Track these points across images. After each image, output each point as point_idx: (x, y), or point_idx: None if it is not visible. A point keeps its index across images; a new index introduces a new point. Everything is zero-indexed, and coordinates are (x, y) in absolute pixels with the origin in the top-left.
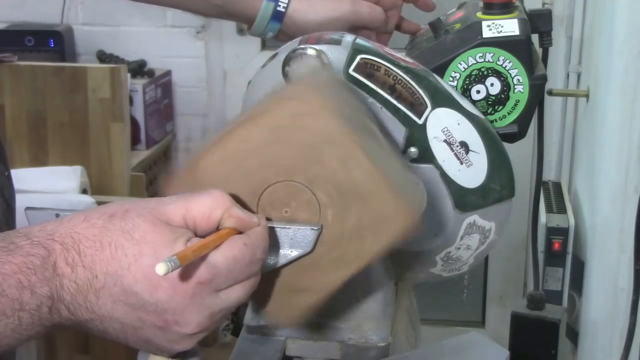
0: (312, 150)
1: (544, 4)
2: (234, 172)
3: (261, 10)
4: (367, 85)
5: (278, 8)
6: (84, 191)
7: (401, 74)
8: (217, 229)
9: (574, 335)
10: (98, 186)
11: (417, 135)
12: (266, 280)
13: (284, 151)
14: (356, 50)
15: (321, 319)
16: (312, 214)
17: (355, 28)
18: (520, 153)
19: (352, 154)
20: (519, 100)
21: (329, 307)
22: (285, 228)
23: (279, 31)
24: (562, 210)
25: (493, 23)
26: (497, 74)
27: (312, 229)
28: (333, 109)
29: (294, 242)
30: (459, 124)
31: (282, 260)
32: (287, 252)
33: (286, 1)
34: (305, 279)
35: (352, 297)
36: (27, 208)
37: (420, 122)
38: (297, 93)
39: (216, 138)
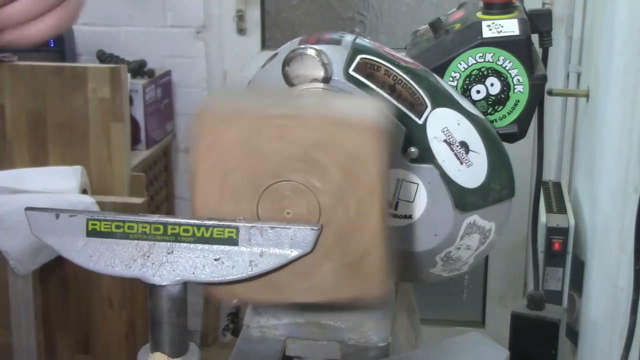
0: (340, 177)
1: (544, 4)
2: (234, 169)
3: None
4: (367, 85)
5: None
6: (84, 191)
7: (401, 74)
8: None
9: (574, 335)
10: (98, 186)
11: (417, 135)
12: (321, 274)
13: (286, 151)
14: (356, 50)
15: (321, 319)
16: (312, 213)
17: None
18: (520, 153)
19: (371, 206)
20: (519, 100)
21: (329, 307)
22: (285, 228)
23: None
24: (562, 210)
25: (493, 23)
26: (497, 74)
27: (312, 229)
28: (385, 156)
29: (294, 242)
30: (459, 124)
31: (282, 261)
32: (287, 252)
33: None
34: (354, 245)
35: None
36: (27, 208)
37: (420, 122)
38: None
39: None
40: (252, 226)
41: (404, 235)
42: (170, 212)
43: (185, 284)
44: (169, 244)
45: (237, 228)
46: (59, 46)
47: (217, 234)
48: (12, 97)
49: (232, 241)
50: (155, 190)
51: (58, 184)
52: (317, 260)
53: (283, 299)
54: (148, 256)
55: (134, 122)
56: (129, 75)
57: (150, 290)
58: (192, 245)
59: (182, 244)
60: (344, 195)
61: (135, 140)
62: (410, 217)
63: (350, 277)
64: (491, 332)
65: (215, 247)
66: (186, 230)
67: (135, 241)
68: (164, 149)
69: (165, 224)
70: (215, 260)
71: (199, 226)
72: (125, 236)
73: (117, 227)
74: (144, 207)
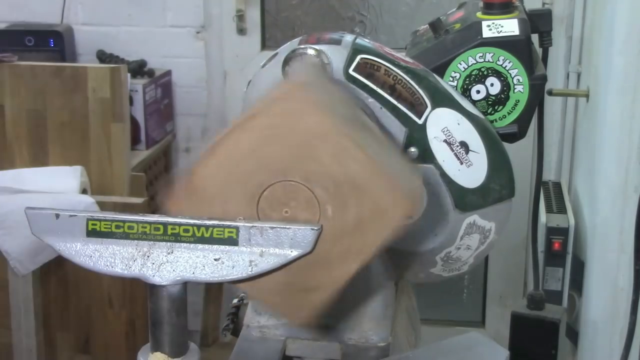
0: (305, 148)
1: (544, 4)
2: (230, 177)
3: None
4: (367, 85)
5: None
6: (84, 191)
7: (401, 74)
8: None
9: (574, 335)
10: (98, 186)
11: (417, 135)
12: (274, 281)
13: (277, 152)
14: (356, 50)
15: (321, 319)
16: (311, 212)
17: None
18: (520, 153)
19: (344, 147)
20: (519, 100)
21: (329, 307)
22: (285, 228)
23: None
24: (562, 210)
25: (493, 23)
26: (497, 74)
27: (312, 229)
28: (321, 105)
29: (294, 242)
30: (459, 124)
31: (282, 260)
32: (287, 252)
33: None
34: (314, 277)
35: (352, 297)
36: (27, 208)
37: (420, 122)
38: (284, 93)
39: (210, 146)
40: (252, 226)
41: (404, 235)
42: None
43: (185, 284)
44: (169, 243)
45: (237, 228)
46: (59, 46)
47: (217, 234)
48: (12, 97)
49: (232, 241)
50: (155, 190)
51: (58, 184)
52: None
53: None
54: (148, 256)
55: (134, 122)
56: (129, 75)
57: (150, 290)
58: (192, 245)
59: (182, 243)
60: (341, 236)
61: (135, 140)
62: (410, 217)
63: (290, 297)
64: (491, 332)
65: (215, 247)
66: (186, 230)
67: (135, 241)
68: (164, 149)
69: (165, 224)
70: (215, 260)
71: (199, 226)
72: (125, 236)
73: (117, 227)
74: (144, 207)
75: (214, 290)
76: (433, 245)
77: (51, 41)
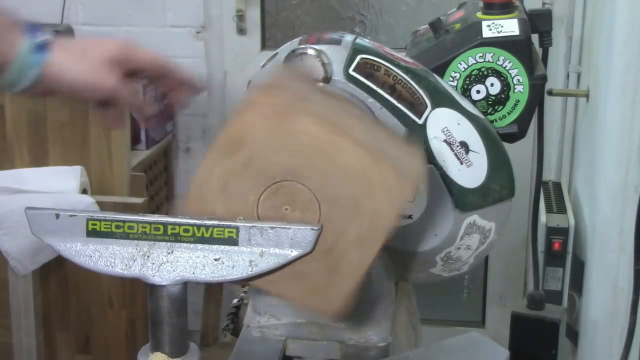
0: (300, 149)
1: (544, 4)
2: (232, 177)
3: (22, 43)
4: (367, 85)
5: (40, 39)
6: (84, 191)
7: (401, 74)
8: None
9: (574, 335)
10: (98, 186)
11: (417, 135)
12: (294, 275)
13: (276, 154)
14: (356, 50)
15: (321, 319)
16: (312, 211)
17: (131, 73)
18: (520, 153)
19: (334, 142)
20: (519, 100)
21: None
22: (285, 228)
23: (39, 77)
24: (562, 210)
25: (493, 23)
26: (497, 74)
27: (312, 229)
28: (298, 103)
29: (294, 242)
30: (459, 124)
31: (282, 260)
32: (287, 252)
33: (47, 35)
34: (338, 266)
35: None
36: (27, 208)
37: (420, 122)
38: (256, 99)
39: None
40: (252, 226)
41: (404, 235)
42: (170, 212)
43: (185, 284)
44: (169, 243)
45: (237, 228)
46: None
47: (217, 234)
48: (12, 97)
49: (232, 241)
50: (155, 190)
51: (58, 184)
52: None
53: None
54: (148, 256)
55: (134, 122)
56: None
57: (150, 290)
58: (192, 245)
59: (182, 243)
60: (349, 225)
61: (135, 140)
62: (410, 217)
63: (376, 204)
64: (491, 332)
65: (215, 247)
66: (186, 230)
67: (135, 241)
68: (164, 149)
69: (165, 224)
70: (215, 260)
71: (199, 226)
72: (125, 236)
73: (117, 227)
74: (144, 207)
75: (214, 290)
76: (433, 245)
77: None
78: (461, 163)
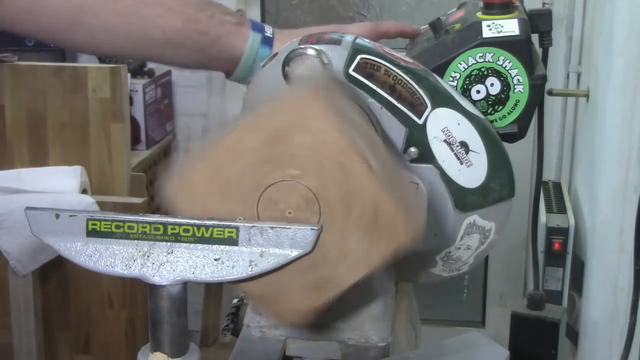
0: (313, 154)
1: (544, 4)
2: (233, 171)
3: (250, 39)
4: (367, 85)
5: (266, 33)
6: (84, 191)
7: (401, 74)
8: None
9: (574, 335)
10: (98, 186)
11: (417, 135)
12: (278, 280)
13: (281, 152)
14: (356, 50)
15: (321, 319)
16: (312, 216)
17: None
18: (520, 153)
19: (352, 159)
20: (519, 100)
21: (329, 307)
22: (285, 228)
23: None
24: (562, 210)
25: (493, 23)
26: (497, 74)
27: (312, 229)
28: (333, 114)
29: (294, 242)
30: (459, 124)
31: (282, 260)
32: (287, 252)
33: (270, 30)
34: (318, 275)
35: (352, 297)
36: (27, 208)
37: (420, 122)
38: (297, 97)
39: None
40: (252, 226)
41: None
42: (170, 212)
43: (186, 284)
44: (169, 243)
45: (237, 228)
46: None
47: (217, 234)
48: (12, 97)
49: (232, 241)
50: (155, 190)
51: (58, 184)
52: (340, 239)
53: (331, 292)
54: (148, 256)
55: (134, 122)
56: (129, 75)
57: (150, 290)
58: (192, 245)
59: (182, 243)
60: (342, 240)
61: (135, 140)
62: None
63: (376, 238)
64: (491, 332)
65: (215, 247)
66: (186, 230)
67: (135, 241)
68: (164, 149)
69: (165, 224)
70: (215, 260)
71: (199, 226)
72: (125, 236)
73: (117, 227)
74: (144, 207)
75: (214, 290)
76: (433, 245)
77: None
78: (461, 163)
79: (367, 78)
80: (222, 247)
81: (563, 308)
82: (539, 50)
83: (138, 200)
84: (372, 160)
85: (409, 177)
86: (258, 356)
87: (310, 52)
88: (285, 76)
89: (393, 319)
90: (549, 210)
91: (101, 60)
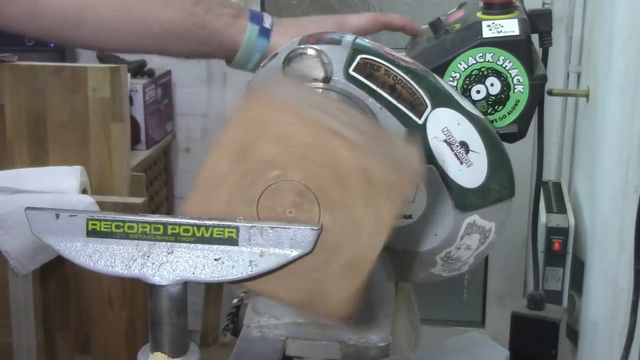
0: (285, 148)
1: (544, 4)
2: (221, 200)
3: (247, 31)
4: (367, 85)
5: (264, 25)
6: (84, 191)
7: (401, 74)
8: None
9: (574, 335)
10: (98, 186)
11: (417, 135)
12: (312, 281)
13: (257, 161)
14: (356, 50)
15: (321, 319)
16: (311, 206)
17: None
18: (520, 153)
19: (324, 140)
20: (519, 100)
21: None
22: (285, 228)
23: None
24: (562, 210)
25: (493, 23)
26: (497, 74)
27: (312, 229)
28: (286, 104)
29: (294, 242)
30: (459, 124)
31: (282, 260)
32: (287, 252)
33: (270, 20)
34: (344, 257)
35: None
36: (27, 208)
37: (420, 122)
38: (245, 105)
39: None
40: (252, 226)
41: (404, 235)
42: (170, 212)
43: (186, 284)
44: (169, 243)
45: (237, 228)
46: (59, 46)
47: (217, 234)
48: (12, 97)
49: (232, 241)
50: (155, 190)
51: (58, 184)
52: (347, 216)
53: (363, 269)
54: (148, 256)
55: (134, 122)
56: (129, 75)
57: (150, 290)
58: (192, 245)
59: (182, 243)
60: (350, 220)
61: (135, 140)
62: (410, 217)
63: (379, 199)
64: (491, 332)
65: (215, 247)
66: (186, 230)
67: (135, 241)
68: (164, 149)
69: (165, 224)
70: (215, 260)
71: (199, 226)
72: (125, 236)
73: (117, 227)
74: (144, 207)
75: (214, 290)
76: (433, 245)
77: None
78: (461, 163)
79: (367, 78)
80: (222, 247)
81: (563, 308)
82: (539, 50)
83: (138, 200)
84: (343, 129)
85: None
86: (258, 356)
87: (310, 52)
88: (285, 76)
89: (393, 319)
90: (549, 210)
91: (101, 60)
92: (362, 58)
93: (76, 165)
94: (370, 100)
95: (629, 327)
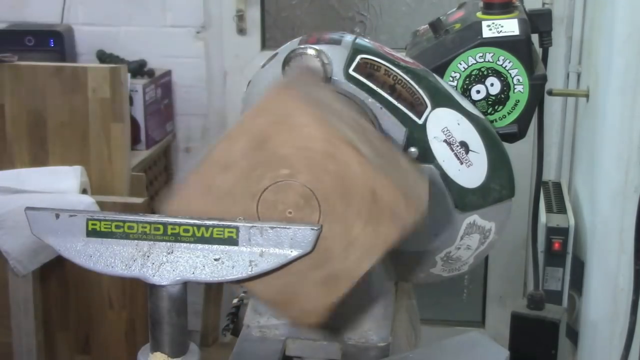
0: (300, 150)
1: (544, 4)
2: (226, 183)
3: None
4: (367, 85)
5: None
6: (84, 191)
7: (401, 74)
8: None
9: (574, 335)
10: (98, 186)
11: (417, 135)
12: (289, 284)
13: (276, 152)
14: (356, 50)
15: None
16: (312, 212)
17: None
18: (520, 153)
19: (340, 151)
20: (519, 100)
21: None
22: (285, 228)
23: None
24: (562, 210)
25: (493, 23)
26: (497, 74)
27: (312, 229)
28: (314, 106)
29: (294, 242)
30: (459, 124)
31: (282, 260)
32: (287, 252)
33: None
34: (325, 271)
35: (352, 297)
36: (27, 208)
37: (420, 122)
38: (273, 96)
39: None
40: (252, 226)
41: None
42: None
43: (186, 284)
44: (169, 243)
45: (237, 228)
46: (59, 46)
47: (217, 234)
48: (12, 97)
49: (232, 241)
50: (155, 190)
51: (58, 184)
52: (344, 230)
53: (343, 285)
54: (148, 256)
55: (134, 122)
56: (129, 75)
57: (150, 290)
58: (192, 245)
59: (182, 243)
60: (347, 234)
61: (135, 140)
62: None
63: (379, 221)
64: (491, 332)
65: (215, 247)
66: (186, 230)
67: (135, 241)
68: (164, 149)
69: (165, 224)
70: (215, 260)
71: (199, 226)
72: (125, 236)
73: (117, 227)
74: (144, 207)
75: (214, 290)
76: (433, 245)
77: (51, 41)
78: (461, 163)
79: (367, 78)
80: (222, 247)
81: (563, 308)
82: (539, 50)
83: (138, 200)
84: (360, 145)
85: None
86: (258, 356)
87: (310, 52)
88: (285, 76)
89: (393, 319)
90: (549, 210)
91: (101, 60)
92: (362, 58)
93: (76, 165)
94: (370, 100)
95: (629, 327)
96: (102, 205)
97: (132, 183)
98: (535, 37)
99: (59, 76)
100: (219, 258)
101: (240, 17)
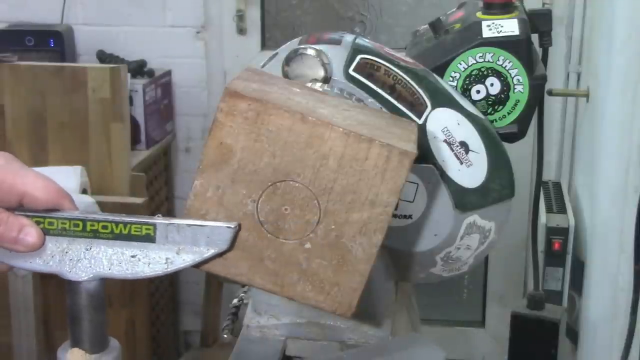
0: (284, 147)
1: (544, 4)
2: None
3: None
4: (367, 85)
5: None
6: (84, 191)
7: (401, 74)
8: None
9: (574, 335)
10: (98, 186)
11: (417, 135)
12: (298, 271)
13: (262, 157)
14: (356, 50)
15: (321, 319)
16: (311, 207)
17: None
18: (520, 153)
19: (315, 132)
20: (519, 100)
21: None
22: (201, 226)
23: None
24: (562, 210)
25: (493, 23)
26: (497, 74)
27: (228, 227)
28: (271, 101)
29: (210, 240)
30: (459, 124)
31: (197, 258)
32: (203, 250)
33: None
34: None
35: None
36: None
37: (420, 122)
38: (215, 123)
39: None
40: (170, 223)
41: (404, 235)
42: (170, 212)
43: (103, 280)
44: (87, 240)
45: (154, 225)
46: (59, 46)
47: (135, 231)
48: (12, 97)
49: (150, 238)
50: (155, 190)
51: (58, 183)
52: (310, 255)
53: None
54: (67, 252)
55: (134, 122)
56: (129, 75)
57: (67, 286)
58: (110, 242)
59: (100, 240)
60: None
61: (135, 140)
62: (410, 217)
63: (325, 289)
64: (491, 332)
65: (133, 243)
66: (105, 227)
67: (55, 237)
68: (164, 149)
69: (84, 221)
70: (132, 257)
71: (117, 223)
72: (46, 232)
73: (38, 222)
74: (144, 207)
75: (214, 290)
76: (433, 245)
77: (51, 41)
78: (461, 163)
79: (367, 78)
80: (139, 243)
81: (563, 308)
82: (539, 50)
83: (138, 200)
84: (332, 119)
85: (409, 177)
86: (258, 356)
87: (310, 52)
88: (285, 76)
89: (393, 318)
90: (549, 210)
91: (101, 60)
92: (362, 58)
93: (76, 165)
94: (370, 101)
95: (629, 327)
96: (102, 205)
97: (132, 183)
98: (535, 37)
99: (59, 76)
100: (136, 255)
101: (240, 17)
